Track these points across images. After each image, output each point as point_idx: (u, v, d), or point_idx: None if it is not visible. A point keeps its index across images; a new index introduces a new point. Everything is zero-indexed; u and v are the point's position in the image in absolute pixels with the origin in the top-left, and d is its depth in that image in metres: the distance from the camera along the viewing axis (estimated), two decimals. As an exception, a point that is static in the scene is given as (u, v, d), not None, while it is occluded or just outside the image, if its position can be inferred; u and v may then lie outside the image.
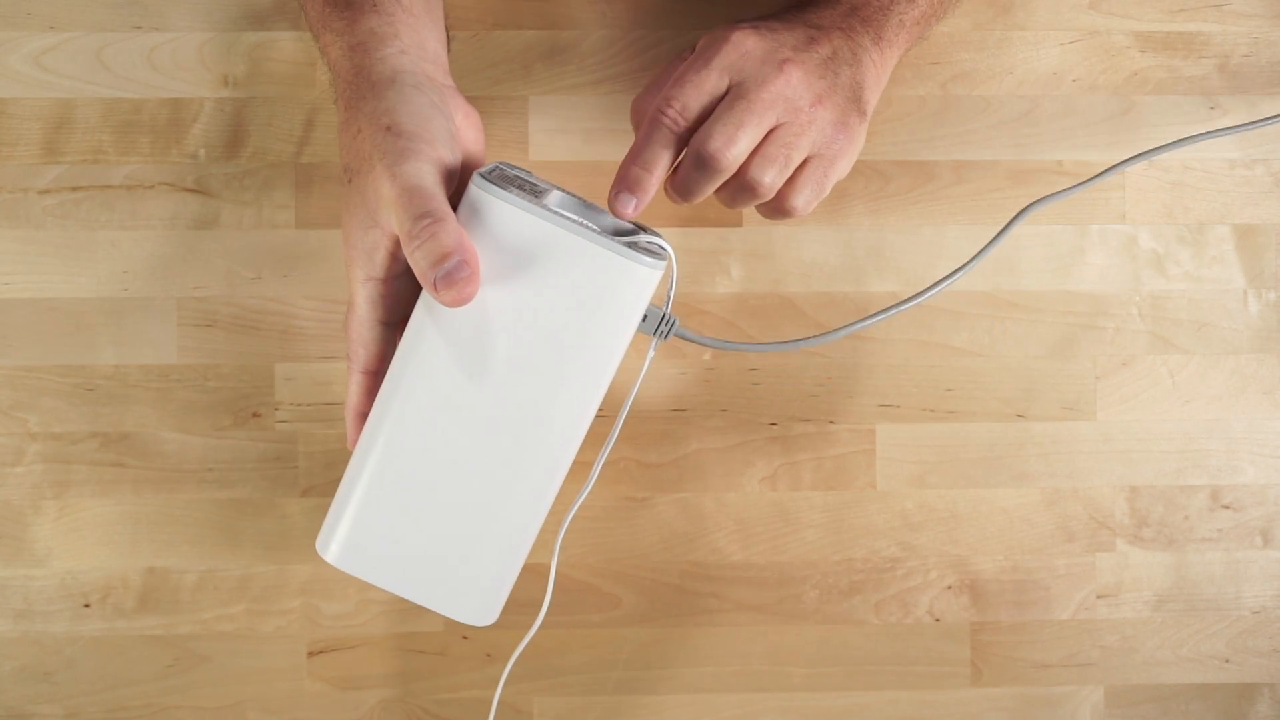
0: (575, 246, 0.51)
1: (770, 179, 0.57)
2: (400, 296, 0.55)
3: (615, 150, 0.69)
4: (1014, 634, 0.69)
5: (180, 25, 0.69)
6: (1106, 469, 0.70)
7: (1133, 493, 0.70)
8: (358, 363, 0.56)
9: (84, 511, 0.67)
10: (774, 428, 0.69)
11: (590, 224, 0.51)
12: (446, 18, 0.63)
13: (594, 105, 0.69)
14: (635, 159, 0.56)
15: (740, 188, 0.57)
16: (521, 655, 0.68)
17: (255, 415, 0.68)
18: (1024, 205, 0.63)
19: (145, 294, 0.68)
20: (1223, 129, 0.65)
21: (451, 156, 0.53)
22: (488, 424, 0.53)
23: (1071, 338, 0.70)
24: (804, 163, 0.58)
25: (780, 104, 0.56)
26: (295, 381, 0.68)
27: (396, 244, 0.53)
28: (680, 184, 0.58)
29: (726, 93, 0.57)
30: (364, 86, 0.55)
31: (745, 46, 0.57)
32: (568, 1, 0.70)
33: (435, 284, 0.49)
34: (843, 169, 0.59)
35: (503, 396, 0.52)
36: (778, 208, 0.59)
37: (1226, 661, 0.70)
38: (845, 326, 0.59)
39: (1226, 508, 0.70)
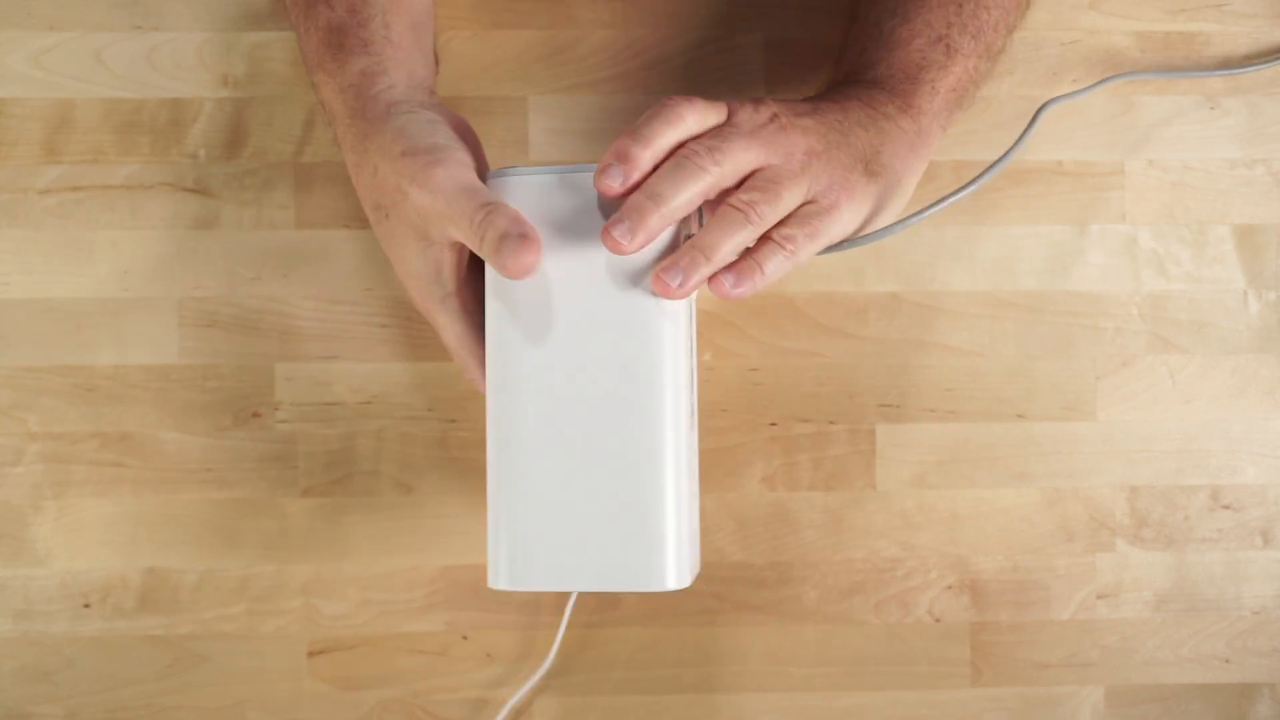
0: (577, 180, 0.54)
1: (760, 206, 0.54)
2: (478, 296, 0.56)
3: (615, 150, 0.69)
4: (1014, 634, 0.69)
5: (180, 25, 0.69)
6: (1106, 469, 0.70)
7: (1133, 493, 0.70)
8: (479, 375, 0.58)
9: (84, 511, 0.67)
10: (774, 428, 0.69)
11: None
12: (439, 34, 0.65)
13: (594, 105, 0.69)
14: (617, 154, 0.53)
15: (728, 212, 0.54)
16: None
17: (255, 415, 0.68)
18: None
19: (145, 294, 0.68)
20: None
21: (469, 159, 0.55)
22: (588, 389, 0.54)
23: (1071, 338, 0.70)
24: (799, 206, 0.56)
25: (771, 146, 0.55)
26: (295, 381, 0.68)
27: (459, 252, 0.55)
28: (659, 186, 0.53)
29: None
30: (363, 125, 0.56)
31: (736, 105, 0.56)
32: (568, 1, 0.70)
33: (505, 264, 0.51)
34: (840, 222, 0.56)
35: (591, 355, 0.54)
36: (766, 246, 0.55)
37: (1226, 661, 0.70)
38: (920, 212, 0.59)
39: (1226, 508, 0.70)
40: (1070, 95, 0.65)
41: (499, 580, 0.56)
